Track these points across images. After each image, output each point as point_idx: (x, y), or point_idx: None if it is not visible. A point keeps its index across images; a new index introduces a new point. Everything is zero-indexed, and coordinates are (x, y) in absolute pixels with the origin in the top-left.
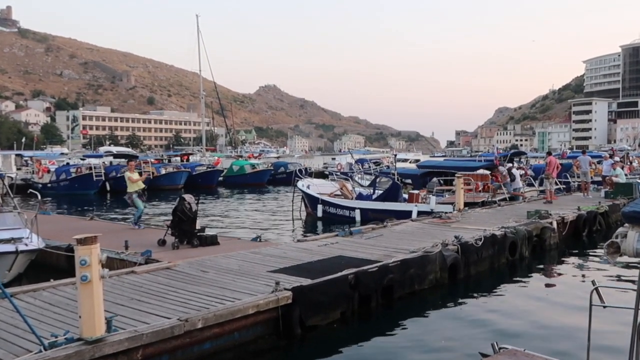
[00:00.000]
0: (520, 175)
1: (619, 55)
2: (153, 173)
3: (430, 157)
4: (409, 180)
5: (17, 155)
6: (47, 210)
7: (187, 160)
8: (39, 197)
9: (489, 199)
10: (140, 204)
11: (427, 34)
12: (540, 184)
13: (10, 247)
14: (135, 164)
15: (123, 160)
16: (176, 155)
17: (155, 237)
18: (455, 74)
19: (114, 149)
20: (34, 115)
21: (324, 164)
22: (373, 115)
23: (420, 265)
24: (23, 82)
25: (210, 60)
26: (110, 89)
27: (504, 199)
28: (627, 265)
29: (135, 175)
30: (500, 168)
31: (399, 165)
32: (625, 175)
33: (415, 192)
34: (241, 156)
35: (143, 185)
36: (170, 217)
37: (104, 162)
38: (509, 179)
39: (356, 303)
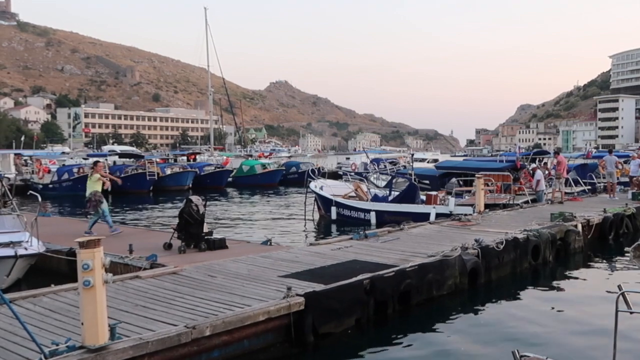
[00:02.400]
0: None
1: None
2: (158, 173)
3: (451, 156)
4: (427, 181)
5: (16, 154)
6: (48, 212)
7: (194, 159)
8: (40, 199)
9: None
10: (106, 208)
11: (448, 27)
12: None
13: (9, 251)
14: (102, 164)
15: (128, 159)
16: (183, 155)
17: (160, 240)
18: (476, 69)
19: (118, 148)
20: (34, 112)
21: (338, 163)
22: (389, 113)
23: (439, 270)
24: (22, 78)
25: (218, 55)
26: (114, 85)
27: (526, 201)
28: None
29: (97, 176)
30: (538, 172)
31: (416, 165)
32: None
33: (434, 193)
34: (251, 155)
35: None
36: (177, 220)
37: (107, 161)
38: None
39: (372, 309)
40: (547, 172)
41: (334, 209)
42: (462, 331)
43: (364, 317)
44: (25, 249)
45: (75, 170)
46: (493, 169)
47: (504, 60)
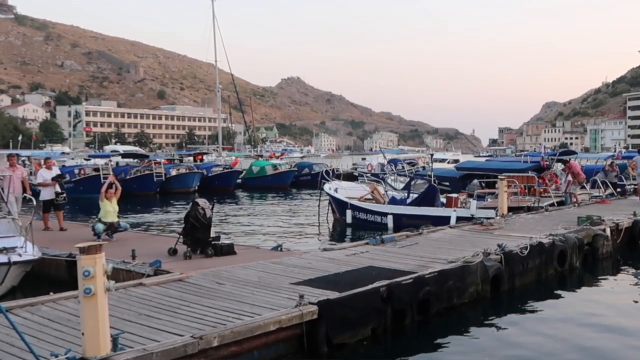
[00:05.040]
0: None
1: None
2: (165, 175)
3: (475, 156)
4: (447, 183)
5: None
6: None
7: (201, 160)
8: (35, 202)
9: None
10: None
11: (470, 20)
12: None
13: (1, 258)
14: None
15: (131, 160)
16: (189, 155)
17: (165, 245)
18: (499, 65)
19: (121, 148)
20: (32, 110)
21: (353, 164)
22: (407, 111)
23: (460, 277)
24: (20, 74)
25: (227, 50)
26: (117, 81)
27: (552, 204)
28: None
29: (112, 206)
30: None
31: (436, 166)
32: None
33: (454, 195)
34: (261, 156)
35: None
36: (182, 224)
37: (111, 162)
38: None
39: (389, 318)
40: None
41: (349, 213)
42: (485, 341)
43: (380, 327)
44: (20, 255)
45: (76, 171)
46: (517, 169)
47: (528, 55)
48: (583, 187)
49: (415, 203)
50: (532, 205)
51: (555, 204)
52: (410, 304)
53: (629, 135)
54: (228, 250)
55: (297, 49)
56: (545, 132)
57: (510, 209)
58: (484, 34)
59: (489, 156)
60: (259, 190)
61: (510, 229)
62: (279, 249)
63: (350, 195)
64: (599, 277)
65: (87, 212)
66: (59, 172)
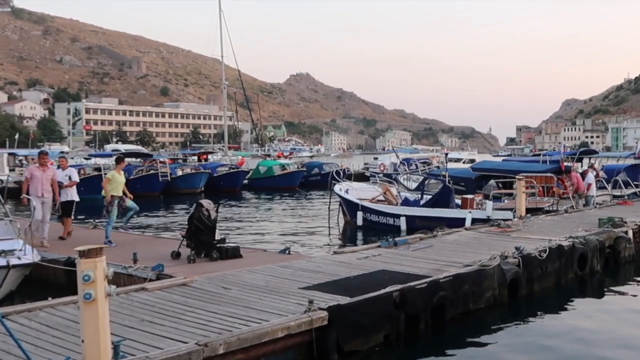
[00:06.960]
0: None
1: None
2: (170, 175)
3: (494, 156)
4: (462, 183)
5: (10, 154)
6: None
7: (206, 160)
8: (33, 202)
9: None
10: (114, 215)
11: (486, 15)
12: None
13: (1, 261)
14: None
15: (134, 159)
16: (194, 154)
17: (168, 248)
18: (517, 60)
19: (122, 147)
20: (30, 108)
21: (365, 164)
22: (421, 109)
23: (476, 281)
24: (17, 70)
25: (233, 45)
26: (118, 77)
27: (572, 205)
28: None
29: (122, 178)
30: (590, 175)
31: (451, 165)
32: None
33: (470, 196)
34: (269, 155)
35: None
36: (186, 226)
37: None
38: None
39: (402, 325)
40: (595, 173)
41: (360, 214)
42: (502, 348)
43: (393, 333)
44: (19, 258)
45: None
46: (534, 170)
47: (548, 51)
48: (603, 188)
49: (429, 204)
50: (551, 207)
51: (575, 206)
52: (424, 309)
53: None
54: (234, 253)
55: (306, 44)
56: (564, 130)
57: (528, 211)
58: (502, 29)
59: (507, 155)
60: (266, 191)
61: (529, 231)
62: (287, 252)
63: (361, 196)
64: (621, 282)
65: (87, 213)
66: (71, 174)
